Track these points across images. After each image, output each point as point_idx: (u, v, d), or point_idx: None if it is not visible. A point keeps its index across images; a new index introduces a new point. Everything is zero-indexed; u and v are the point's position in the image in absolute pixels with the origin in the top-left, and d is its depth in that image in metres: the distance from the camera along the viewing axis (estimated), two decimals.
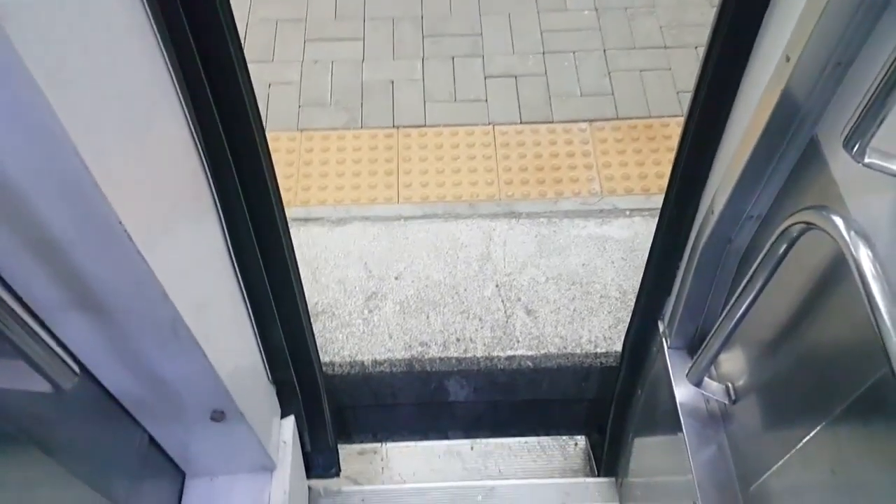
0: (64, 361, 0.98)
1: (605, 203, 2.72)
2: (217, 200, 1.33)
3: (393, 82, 3.22)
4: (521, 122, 3.04)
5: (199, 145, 1.22)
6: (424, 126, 3.06)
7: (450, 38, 3.36)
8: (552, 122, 3.03)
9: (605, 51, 3.26)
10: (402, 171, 2.90)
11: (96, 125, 0.86)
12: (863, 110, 0.86)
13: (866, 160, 0.89)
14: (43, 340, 0.93)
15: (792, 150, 1.15)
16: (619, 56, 3.25)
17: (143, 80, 1.02)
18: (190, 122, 1.17)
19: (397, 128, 3.06)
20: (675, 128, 2.89)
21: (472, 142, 2.99)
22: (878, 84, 0.83)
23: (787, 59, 1.03)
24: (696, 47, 3.22)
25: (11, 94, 0.73)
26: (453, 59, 3.29)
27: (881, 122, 0.86)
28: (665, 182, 1.49)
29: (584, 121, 3.02)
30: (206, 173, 1.27)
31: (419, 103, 3.14)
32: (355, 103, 3.15)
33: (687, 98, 1.32)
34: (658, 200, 1.54)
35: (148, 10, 0.99)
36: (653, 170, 2.82)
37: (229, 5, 1.14)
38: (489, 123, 3.04)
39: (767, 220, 1.29)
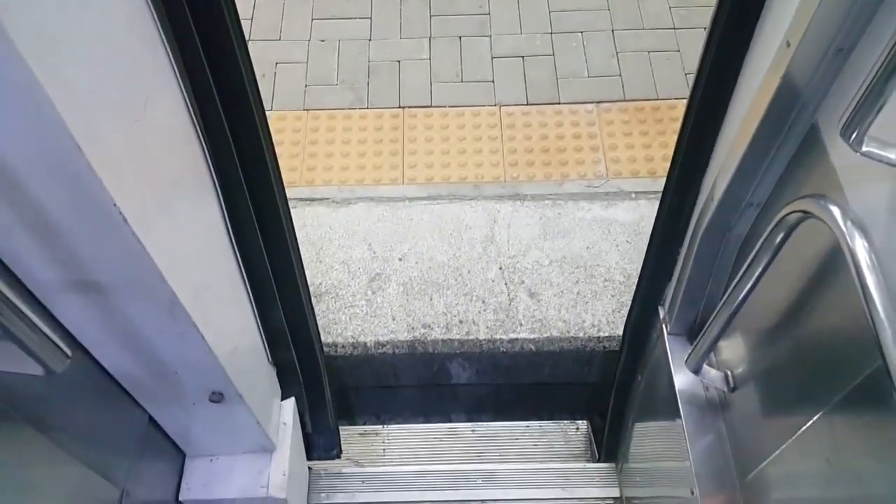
0: (55, 344, 0.98)
1: (610, 185, 2.70)
2: (216, 182, 1.32)
3: (399, 62, 3.20)
4: (527, 104, 3.01)
5: (198, 126, 1.21)
6: (430, 106, 3.04)
7: (457, 18, 3.33)
8: (559, 103, 3.00)
9: (613, 31, 3.22)
10: (407, 152, 2.89)
11: (91, 108, 0.86)
12: (860, 98, 0.84)
13: (864, 149, 0.87)
14: (33, 323, 0.93)
15: (792, 136, 1.13)
16: (627, 37, 3.21)
17: (140, 61, 1.01)
18: (189, 104, 1.17)
19: (403, 108, 3.04)
20: (683, 110, 2.85)
21: (478, 123, 2.97)
22: (877, 72, 0.82)
23: (788, 45, 1.01)
24: (704, 28, 3.16)
25: (4, 79, 0.73)
26: (460, 38, 3.25)
27: (879, 111, 0.84)
28: None
29: (591, 102, 2.99)
30: (205, 155, 1.26)
31: (425, 83, 3.12)
32: (362, 83, 3.13)
33: None
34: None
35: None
36: (659, 152, 2.80)
37: None
38: (495, 104, 3.02)
39: (767, 207, 1.28)
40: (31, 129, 0.80)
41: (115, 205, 0.93)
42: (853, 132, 0.87)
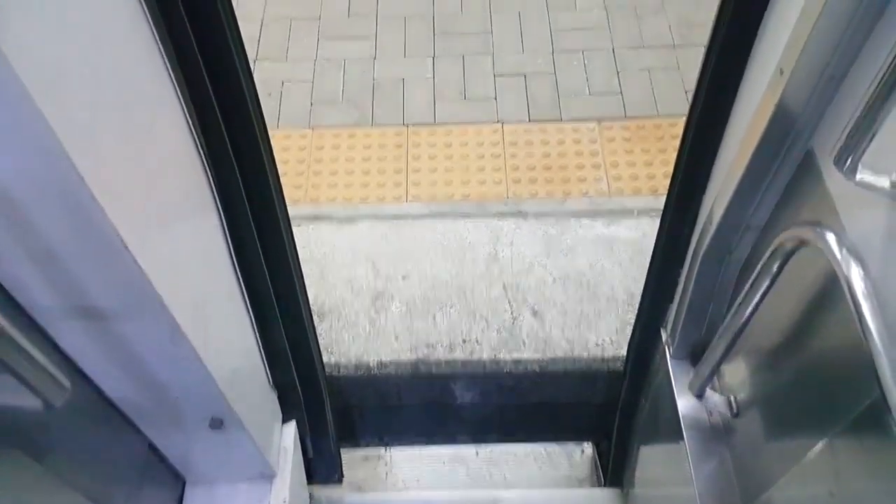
0: (54, 378, 0.98)
1: (613, 203, 2.70)
2: (218, 202, 1.32)
3: (404, 80, 3.21)
4: (529, 121, 3.02)
5: (200, 148, 1.20)
6: (434, 124, 3.05)
7: (460, 37, 3.35)
8: (561, 120, 3.01)
9: (613, 49, 3.23)
10: (411, 170, 2.90)
11: (94, 137, 0.86)
12: (853, 127, 0.84)
13: (858, 177, 0.87)
14: (31, 357, 0.93)
15: (788, 162, 1.12)
16: (627, 55, 3.21)
17: (143, 85, 1.01)
18: (192, 127, 1.16)
19: (407, 126, 3.05)
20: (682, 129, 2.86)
21: (481, 140, 2.97)
22: (868, 100, 0.82)
23: (781, 73, 1.01)
24: (705, 46, 3.17)
25: (6, 108, 0.73)
26: (463, 57, 3.27)
27: (871, 139, 0.84)
28: None
29: (593, 120, 2.99)
30: (208, 179, 1.25)
31: (429, 101, 3.13)
32: (366, 101, 3.15)
33: None
34: None
35: (147, 13, 0.98)
36: (661, 170, 2.79)
37: (230, 4, 1.13)
38: (498, 122, 3.03)
39: (766, 231, 1.27)
40: (35, 160, 0.80)
41: (117, 233, 0.92)
42: (846, 160, 0.86)
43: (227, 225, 1.37)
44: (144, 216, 1.01)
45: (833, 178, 1.03)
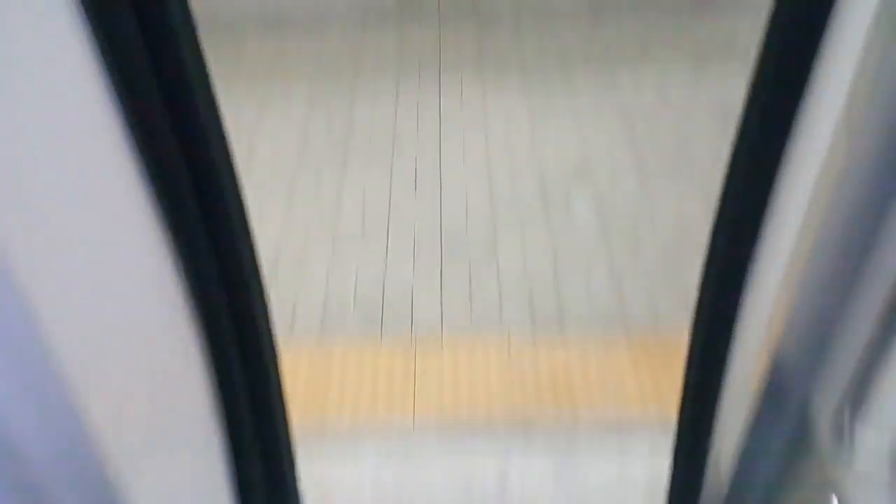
0: None
1: (622, 422, 2.66)
2: (225, 442, 1.29)
3: (412, 292, 3.28)
4: (534, 335, 3.05)
5: (211, 375, 1.19)
6: (441, 336, 3.08)
7: (465, 249, 3.45)
8: (565, 334, 3.04)
9: (613, 260, 3.32)
10: (418, 386, 2.88)
11: (110, 389, 0.85)
12: (847, 394, 0.86)
13: (856, 445, 0.87)
14: None
15: (787, 419, 1.12)
16: (627, 266, 3.30)
17: (160, 320, 1.01)
18: (204, 356, 1.15)
19: (415, 338, 3.07)
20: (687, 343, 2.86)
21: (488, 355, 2.98)
22: (861, 363, 0.83)
23: (772, 325, 1.04)
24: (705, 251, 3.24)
25: (25, 368, 0.70)
26: (469, 269, 3.36)
27: (868, 405, 0.85)
28: None
29: (597, 331, 3.02)
30: (216, 410, 1.24)
31: (436, 313, 3.18)
32: (376, 313, 3.19)
33: None
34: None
35: (164, 230, 0.98)
36: (668, 384, 2.77)
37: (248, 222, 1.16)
38: (504, 335, 3.05)
39: (775, 486, 1.25)
40: (45, 415, 0.79)
41: (118, 486, 0.91)
42: (843, 430, 0.87)
43: (234, 465, 1.34)
44: (145, 459, 0.98)
45: (830, 441, 1.02)
